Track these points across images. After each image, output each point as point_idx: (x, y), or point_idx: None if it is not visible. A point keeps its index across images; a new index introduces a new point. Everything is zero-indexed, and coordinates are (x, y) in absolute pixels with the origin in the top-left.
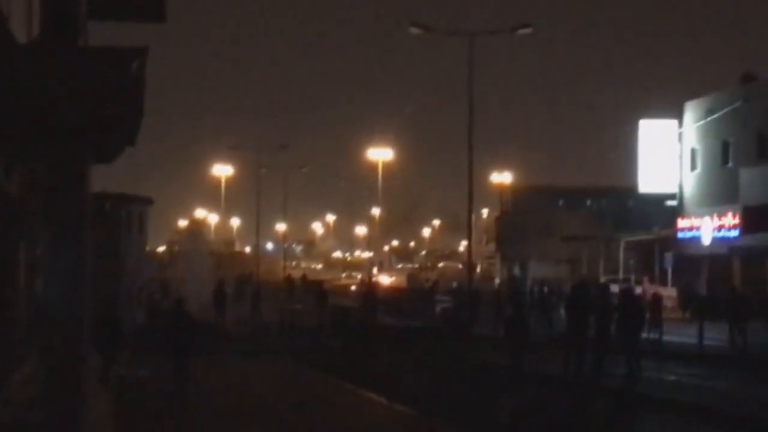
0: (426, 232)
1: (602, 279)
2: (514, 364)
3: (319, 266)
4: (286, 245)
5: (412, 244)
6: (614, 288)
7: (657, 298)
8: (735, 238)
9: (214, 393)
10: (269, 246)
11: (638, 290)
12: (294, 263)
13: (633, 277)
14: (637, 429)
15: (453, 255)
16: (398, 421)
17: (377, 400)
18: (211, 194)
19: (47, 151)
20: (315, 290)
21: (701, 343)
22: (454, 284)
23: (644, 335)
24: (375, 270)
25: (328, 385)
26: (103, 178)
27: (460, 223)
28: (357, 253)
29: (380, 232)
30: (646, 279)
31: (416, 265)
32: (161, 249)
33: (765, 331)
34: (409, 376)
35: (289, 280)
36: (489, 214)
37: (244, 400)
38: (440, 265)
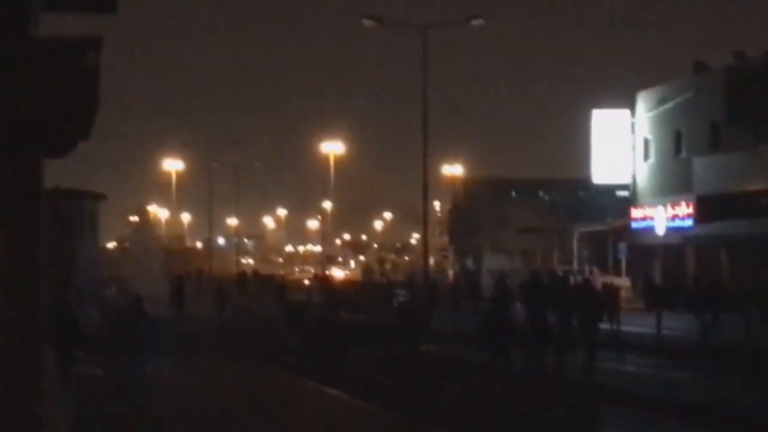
0: (378, 225)
1: (559, 271)
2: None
3: (279, 260)
4: (237, 240)
5: (364, 237)
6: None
7: (615, 289)
8: (689, 227)
9: (171, 392)
10: (221, 241)
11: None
12: (247, 260)
13: (587, 268)
14: (602, 423)
15: (405, 248)
16: (365, 420)
17: (341, 398)
18: (162, 190)
19: None
20: (272, 285)
21: (659, 334)
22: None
23: (604, 326)
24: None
25: (290, 384)
26: (51, 174)
27: (412, 216)
28: (309, 246)
29: (332, 226)
30: (595, 269)
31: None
32: (111, 245)
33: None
34: (371, 373)
35: (241, 275)
36: (441, 207)
37: (201, 399)
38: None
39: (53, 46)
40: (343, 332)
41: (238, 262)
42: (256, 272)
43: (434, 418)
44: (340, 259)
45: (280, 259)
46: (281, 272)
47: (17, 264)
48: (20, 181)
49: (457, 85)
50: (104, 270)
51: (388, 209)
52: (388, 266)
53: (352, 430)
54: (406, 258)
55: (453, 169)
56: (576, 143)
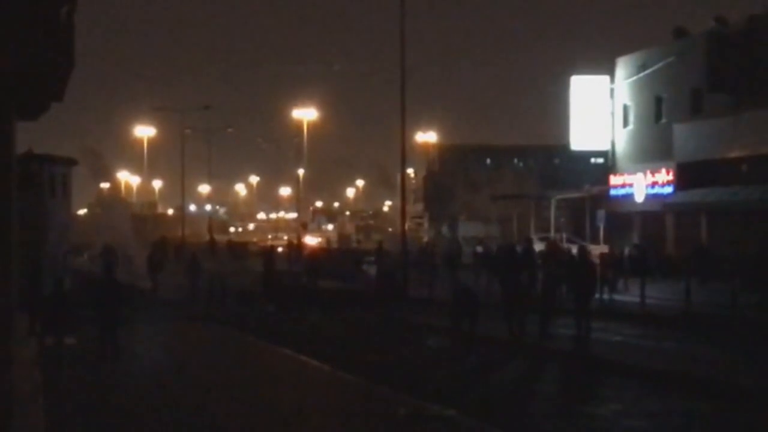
0: (350, 192)
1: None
2: (458, 328)
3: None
4: (212, 207)
5: (336, 204)
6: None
7: (611, 257)
8: (669, 194)
9: (143, 361)
10: (192, 208)
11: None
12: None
13: (564, 236)
14: (594, 393)
15: (377, 215)
16: (348, 391)
17: (322, 368)
18: (133, 156)
19: None
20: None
21: (644, 303)
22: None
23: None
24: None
25: (267, 352)
26: (20, 138)
27: (385, 183)
28: (281, 214)
29: (304, 193)
30: (564, 236)
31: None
32: (82, 212)
33: (701, 288)
34: (350, 341)
35: (212, 242)
36: (416, 174)
37: (174, 370)
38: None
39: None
40: (318, 299)
41: (211, 230)
42: (230, 240)
43: (400, 383)
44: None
45: (251, 226)
46: (254, 239)
47: None
48: None
49: (433, 51)
50: (77, 237)
51: (361, 176)
52: (360, 236)
53: (314, 392)
54: (390, 229)
55: (427, 137)
56: (553, 110)
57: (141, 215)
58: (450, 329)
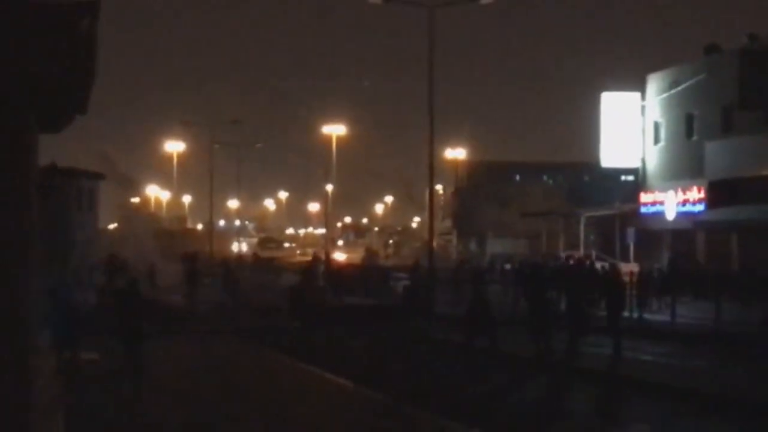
0: (379, 208)
1: (563, 255)
2: (471, 344)
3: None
4: (239, 222)
5: (365, 220)
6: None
7: (644, 275)
8: (700, 212)
9: (168, 377)
10: (221, 223)
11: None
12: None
13: (594, 253)
14: (622, 413)
15: (406, 231)
16: (371, 408)
17: (343, 384)
18: (162, 170)
19: None
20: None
21: (674, 321)
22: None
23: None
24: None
25: (292, 369)
26: (49, 152)
27: (414, 199)
28: (310, 230)
29: (333, 209)
30: (593, 254)
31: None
32: (112, 227)
33: (733, 308)
34: (373, 357)
35: (239, 258)
36: (445, 190)
37: (199, 385)
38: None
39: (46, 9)
40: (343, 315)
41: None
42: (255, 255)
43: (423, 399)
44: (340, 242)
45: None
46: (280, 255)
47: (6, 245)
48: (10, 156)
49: (463, 66)
50: (103, 251)
51: (390, 192)
52: (389, 251)
53: (337, 410)
54: (417, 245)
55: (456, 153)
56: (582, 127)
57: (170, 230)
58: (468, 345)
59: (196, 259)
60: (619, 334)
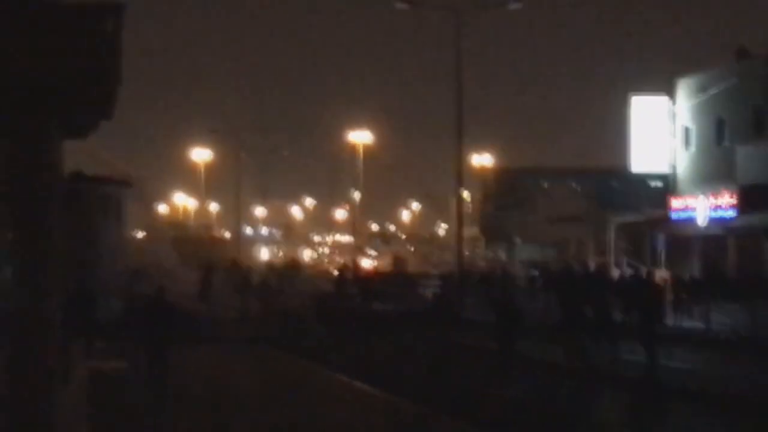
0: (405, 215)
1: (594, 262)
2: (504, 351)
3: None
4: (265, 230)
5: (392, 227)
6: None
7: (680, 283)
8: (731, 218)
9: (195, 386)
10: (248, 230)
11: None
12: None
13: (624, 260)
14: (659, 420)
15: (433, 238)
16: (399, 417)
17: (374, 394)
18: (189, 178)
19: (10, 123)
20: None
21: (709, 328)
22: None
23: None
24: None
25: (318, 377)
26: (75, 159)
27: (440, 206)
28: (336, 237)
29: (360, 216)
30: (624, 260)
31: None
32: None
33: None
34: (405, 364)
35: (270, 265)
36: (472, 197)
37: (226, 393)
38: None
39: (69, 10)
40: (374, 323)
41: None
42: (293, 260)
43: (454, 408)
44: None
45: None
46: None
47: (30, 252)
48: (34, 163)
49: (488, 71)
50: (130, 260)
51: (416, 199)
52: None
53: (365, 418)
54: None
55: (482, 159)
56: (611, 132)
57: (195, 238)
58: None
59: (212, 268)
60: (655, 342)
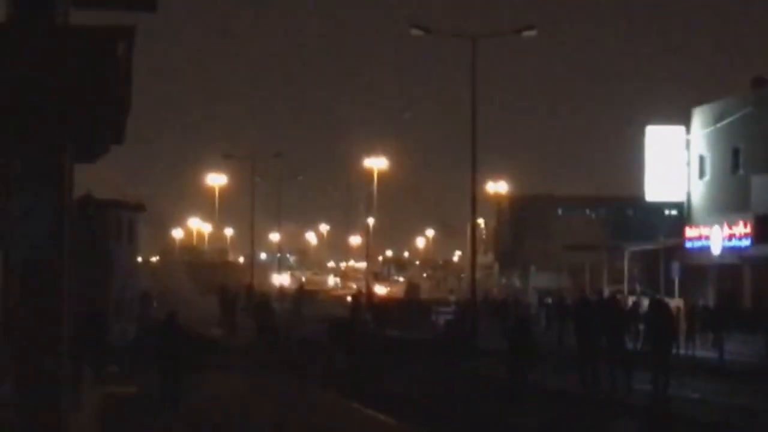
0: (420, 241)
1: (608, 290)
2: (515, 379)
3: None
4: (279, 255)
5: (406, 254)
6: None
7: (694, 311)
8: (746, 247)
9: (208, 411)
10: (263, 256)
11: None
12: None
13: (638, 288)
14: None
15: (447, 264)
16: None
17: (387, 422)
18: (204, 202)
19: (21, 146)
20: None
21: (722, 358)
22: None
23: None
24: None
25: (333, 405)
26: (86, 182)
27: (455, 233)
28: (351, 263)
29: (374, 242)
30: (637, 288)
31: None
32: (155, 259)
33: None
34: (419, 392)
35: (281, 290)
36: (486, 224)
37: (238, 419)
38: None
39: (79, 34)
40: (387, 350)
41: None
42: (301, 287)
43: None
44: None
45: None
46: (323, 288)
47: (40, 271)
48: (44, 185)
49: (505, 99)
50: (144, 284)
51: (431, 226)
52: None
53: None
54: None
55: (497, 186)
56: (627, 161)
57: (213, 263)
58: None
59: (228, 291)
60: (668, 371)
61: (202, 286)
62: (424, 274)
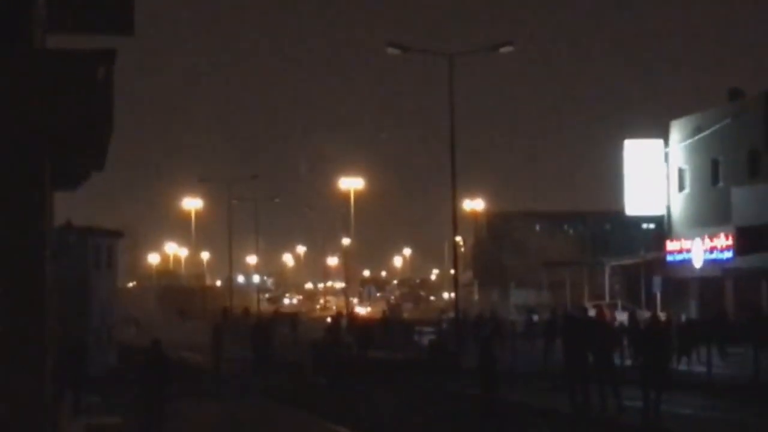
0: (398, 261)
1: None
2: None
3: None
4: (260, 278)
5: (383, 273)
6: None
7: (691, 326)
8: (728, 260)
9: None
10: (240, 279)
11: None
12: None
13: (619, 303)
14: None
15: (425, 283)
16: None
17: None
18: (180, 227)
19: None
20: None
21: (710, 373)
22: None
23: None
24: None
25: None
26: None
27: (432, 252)
28: (329, 284)
29: (352, 262)
30: (618, 303)
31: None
32: (131, 285)
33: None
34: (401, 414)
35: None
36: (465, 242)
37: None
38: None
39: (58, 58)
40: (370, 371)
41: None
42: (277, 310)
43: None
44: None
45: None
46: (303, 309)
47: (19, 305)
48: (23, 214)
49: (482, 116)
50: (122, 310)
51: (408, 245)
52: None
53: None
54: (432, 298)
55: (475, 204)
56: (603, 176)
57: (190, 288)
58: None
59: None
60: (660, 387)
61: (181, 310)
62: (398, 293)
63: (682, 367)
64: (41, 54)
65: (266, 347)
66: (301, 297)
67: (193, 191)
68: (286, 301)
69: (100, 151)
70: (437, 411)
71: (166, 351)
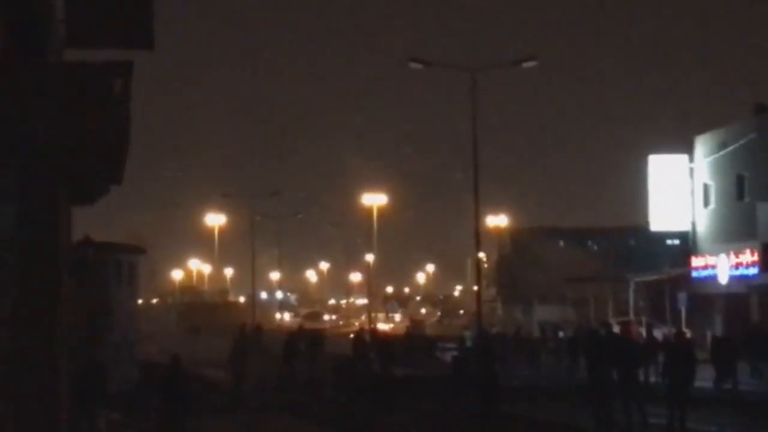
0: (421, 277)
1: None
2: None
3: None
4: (283, 294)
5: (407, 289)
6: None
7: (731, 343)
8: (754, 276)
9: None
10: (263, 295)
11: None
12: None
13: (644, 319)
14: None
15: (448, 299)
16: None
17: None
18: (203, 243)
19: (16, 188)
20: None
21: (735, 389)
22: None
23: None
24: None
25: None
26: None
27: (455, 268)
28: (352, 300)
29: (375, 278)
30: (643, 320)
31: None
32: (154, 301)
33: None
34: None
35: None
36: (488, 258)
37: None
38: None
39: (75, 70)
40: (393, 387)
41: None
42: (301, 326)
43: None
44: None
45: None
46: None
47: (37, 320)
48: (41, 229)
49: (506, 131)
50: (143, 327)
51: (431, 261)
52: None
53: None
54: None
55: (498, 220)
56: (630, 191)
57: (213, 303)
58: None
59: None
60: (686, 405)
61: (195, 327)
62: (423, 310)
63: (727, 385)
64: (58, 66)
65: (293, 363)
66: (335, 316)
67: (216, 207)
68: (326, 317)
69: (117, 164)
70: (457, 428)
71: (185, 367)
